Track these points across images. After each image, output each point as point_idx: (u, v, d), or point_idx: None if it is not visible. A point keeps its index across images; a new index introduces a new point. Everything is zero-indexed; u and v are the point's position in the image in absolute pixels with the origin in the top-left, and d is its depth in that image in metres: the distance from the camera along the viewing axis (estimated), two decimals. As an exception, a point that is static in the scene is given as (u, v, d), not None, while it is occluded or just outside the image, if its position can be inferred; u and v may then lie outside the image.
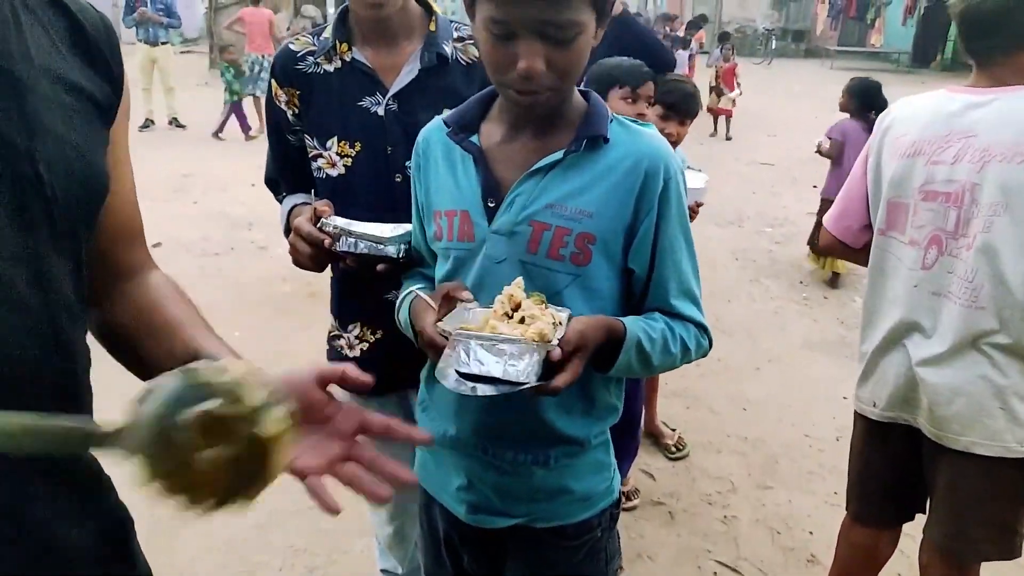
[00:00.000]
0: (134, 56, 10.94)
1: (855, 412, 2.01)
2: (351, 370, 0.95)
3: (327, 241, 1.38)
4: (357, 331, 1.73)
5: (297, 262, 1.50)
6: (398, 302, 1.39)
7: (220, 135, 10.19)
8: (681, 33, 12.41)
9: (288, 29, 18.73)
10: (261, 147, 6.62)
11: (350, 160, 1.59)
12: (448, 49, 1.57)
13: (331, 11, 18.90)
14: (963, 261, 1.66)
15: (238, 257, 5.63)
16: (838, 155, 5.13)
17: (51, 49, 0.86)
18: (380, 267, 1.38)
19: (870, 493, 2.03)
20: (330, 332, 1.81)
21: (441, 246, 1.30)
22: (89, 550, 0.91)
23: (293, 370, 0.95)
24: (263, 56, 10.66)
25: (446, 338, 1.10)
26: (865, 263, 1.95)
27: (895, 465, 1.95)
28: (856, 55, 25.29)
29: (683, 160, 3.09)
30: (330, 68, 1.58)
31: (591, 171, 1.21)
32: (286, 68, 1.61)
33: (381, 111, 1.55)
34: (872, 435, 1.96)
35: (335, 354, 1.79)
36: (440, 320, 1.14)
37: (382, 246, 1.38)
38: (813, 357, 4.32)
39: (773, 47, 24.49)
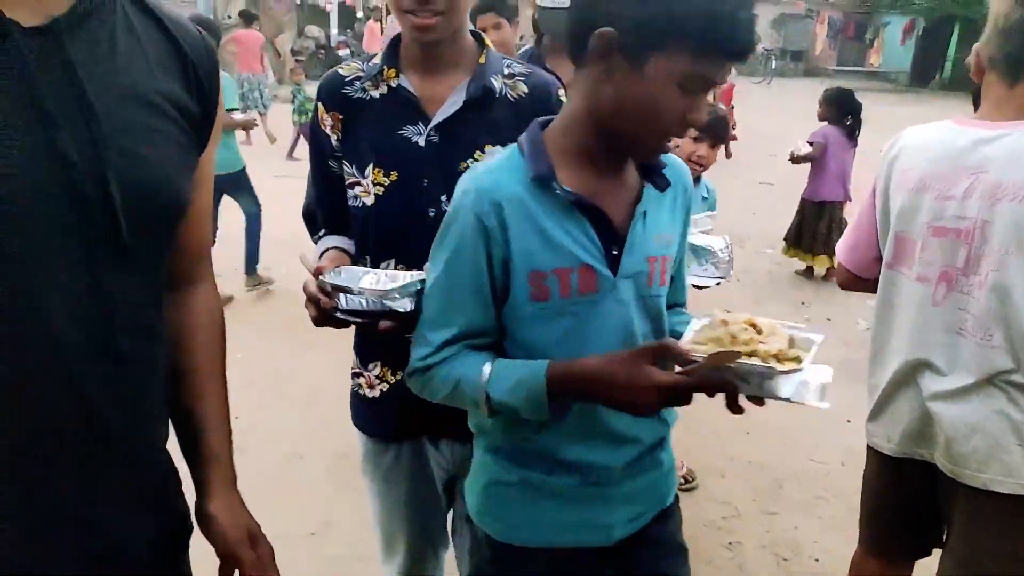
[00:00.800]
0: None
1: (868, 446, 1.98)
2: None
3: (323, 301, 1.30)
4: (377, 371, 1.65)
5: (315, 321, 1.38)
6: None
7: (294, 156, 10.18)
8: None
9: (292, 49, 18.93)
10: (266, 168, 6.64)
11: (382, 189, 1.53)
12: (496, 84, 1.52)
13: (334, 31, 19.05)
14: (975, 299, 1.64)
15: (241, 278, 5.63)
16: (821, 157, 5.63)
17: (146, 73, 0.89)
18: (383, 325, 1.27)
19: (884, 527, 2.00)
20: (352, 368, 1.73)
21: (551, 305, 1.21)
22: (151, 551, 1.00)
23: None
24: (253, 75, 10.72)
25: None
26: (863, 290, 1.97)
27: (910, 500, 1.91)
28: (855, 75, 25.47)
29: (709, 190, 3.09)
30: (375, 94, 1.54)
31: (663, 197, 1.29)
32: (333, 92, 1.57)
33: (422, 141, 1.50)
34: (887, 470, 1.92)
35: (356, 395, 1.72)
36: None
37: (387, 301, 1.25)
38: (817, 379, 4.29)
39: (773, 67, 24.64)
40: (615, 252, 1.22)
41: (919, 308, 1.75)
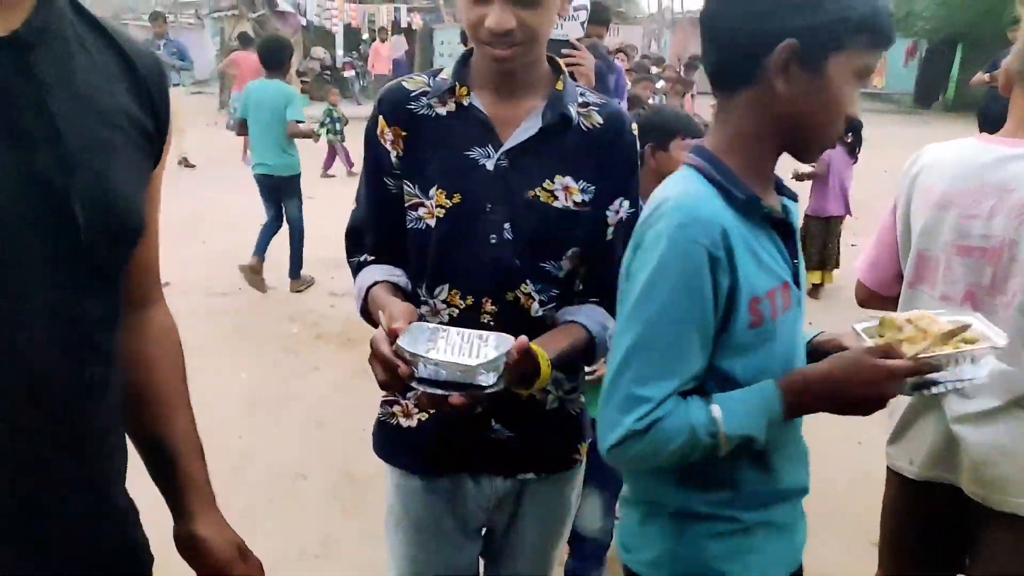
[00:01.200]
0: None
1: (888, 469, 1.92)
2: None
3: (401, 369, 1.18)
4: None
5: (383, 385, 1.28)
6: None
7: (328, 173, 10.73)
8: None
9: (297, 70, 19.05)
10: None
11: (443, 212, 1.43)
12: (572, 112, 1.43)
13: (340, 52, 19.19)
14: (1001, 319, 1.55)
15: (245, 297, 5.64)
16: (825, 173, 5.91)
17: (103, 89, 0.87)
18: (455, 399, 1.17)
19: (906, 551, 1.95)
20: (383, 396, 1.59)
21: (764, 329, 1.18)
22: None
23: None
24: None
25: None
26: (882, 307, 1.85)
27: (933, 524, 1.85)
28: (859, 95, 25.48)
29: None
30: (442, 111, 1.45)
31: None
32: (397, 106, 1.47)
33: (490, 165, 1.41)
34: (909, 494, 1.86)
35: (386, 424, 1.60)
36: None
37: (470, 377, 1.16)
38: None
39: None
40: (795, 262, 1.27)
41: None
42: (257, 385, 4.21)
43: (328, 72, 19.59)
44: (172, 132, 1.01)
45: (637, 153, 1.51)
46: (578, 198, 1.44)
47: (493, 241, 1.42)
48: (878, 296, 1.94)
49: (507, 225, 1.42)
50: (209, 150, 11.44)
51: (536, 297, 1.46)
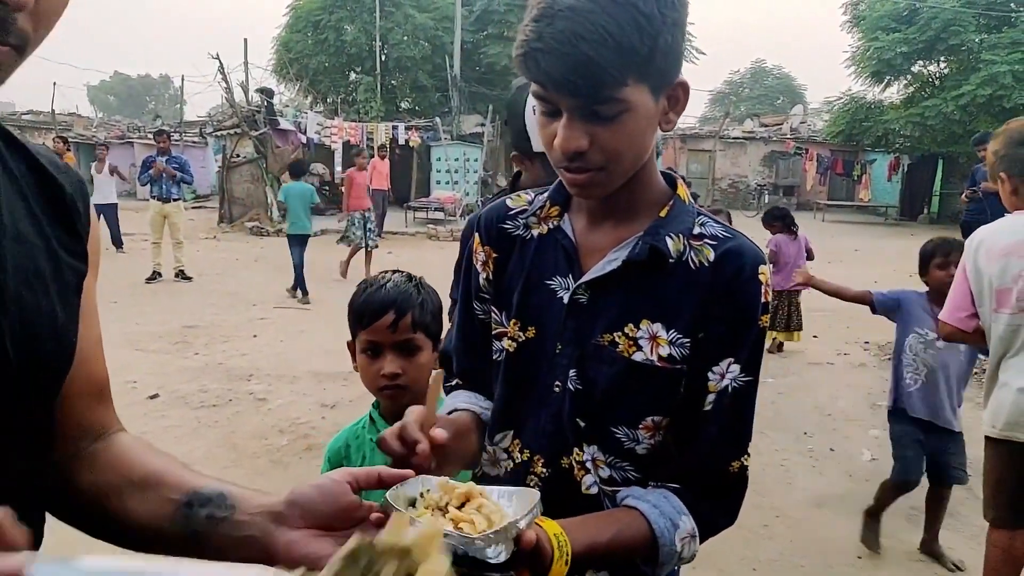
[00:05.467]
0: (147, 212, 11.31)
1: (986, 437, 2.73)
2: (385, 472, 0.92)
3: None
4: None
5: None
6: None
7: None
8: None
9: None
10: (267, 298, 6.66)
11: (515, 346, 1.27)
12: (672, 245, 1.17)
13: (339, 169, 19.70)
14: None
15: (235, 409, 5.56)
16: (776, 259, 7.23)
17: (28, 216, 0.83)
18: None
19: (1004, 499, 2.70)
20: None
21: None
22: None
23: (326, 476, 0.92)
24: (363, 212, 11.30)
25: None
26: (974, 342, 2.84)
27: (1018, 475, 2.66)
28: (846, 209, 26.14)
29: None
30: (535, 232, 1.29)
31: None
32: (491, 224, 1.33)
33: (566, 298, 1.21)
34: (1001, 453, 2.66)
35: None
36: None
37: (472, 550, 0.89)
38: (823, 514, 4.17)
39: (766, 201, 25.33)
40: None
41: (1009, 325, 2.64)
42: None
43: (327, 188, 20.06)
44: (97, 241, 0.94)
45: (760, 303, 1.16)
46: (665, 351, 1.16)
47: (556, 390, 1.22)
48: (959, 331, 2.78)
49: (573, 372, 1.20)
50: (206, 264, 11.58)
51: (592, 470, 1.21)
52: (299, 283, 9.75)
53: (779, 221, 7.53)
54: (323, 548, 0.87)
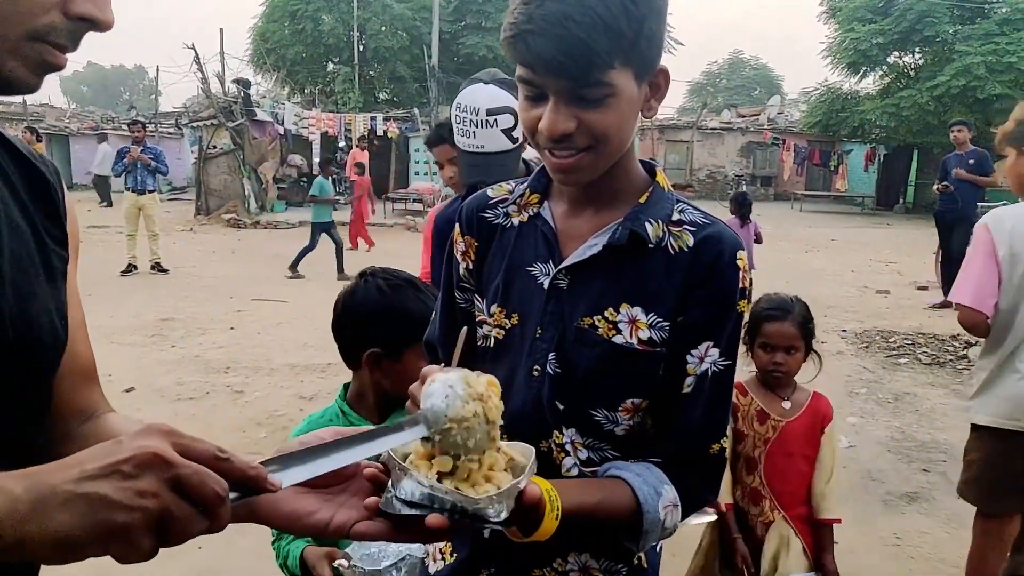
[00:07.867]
0: (121, 204, 11.17)
1: (972, 424, 2.72)
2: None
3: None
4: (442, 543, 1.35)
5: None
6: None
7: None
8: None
9: (274, 176, 19.38)
10: (244, 291, 6.64)
11: (501, 333, 1.28)
12: (652, 230, 1.18)
13: (316, 160, 19.58)
14: None
15: (213, 402, 5.52)
16: None
17: (17, 203, 0.87)
18: (433, 520, 0.85)
19: (998, 490, 2.66)
20: None
21: None
22: None
23: (312, 434, 0.92)
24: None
25: None
26: (982, 332, 2.66)
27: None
28: (823, 199, 26.36)
29: None
30: (516, 221, 1.30)
31: None
32: (472, 214, 1.34)
33: (546, 283, 1.22)
34: (995, 442, 2.63)
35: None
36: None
37: (476, 510, 0.88)
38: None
39: (743, 191, 25.47)
40: None
41: None
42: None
43: (304, 179, 19.93)
44: (75, 228, 0.98)
45: (738, 288, 1.18)
46: (645, 335, 1.17)
47: (536, 374, 1.23)
48: (979, 313, 2.60)
49: (552, 356, 1.21)
50: (183, 256, 11.47)
51: (571, 452, 1.22)
52: (299, 258, 10.70)
53: (741, 207, 8.01)
54: (309, 505, 0.87)
